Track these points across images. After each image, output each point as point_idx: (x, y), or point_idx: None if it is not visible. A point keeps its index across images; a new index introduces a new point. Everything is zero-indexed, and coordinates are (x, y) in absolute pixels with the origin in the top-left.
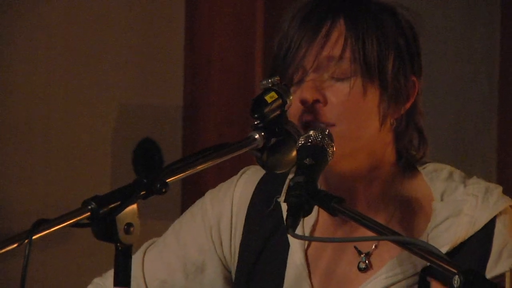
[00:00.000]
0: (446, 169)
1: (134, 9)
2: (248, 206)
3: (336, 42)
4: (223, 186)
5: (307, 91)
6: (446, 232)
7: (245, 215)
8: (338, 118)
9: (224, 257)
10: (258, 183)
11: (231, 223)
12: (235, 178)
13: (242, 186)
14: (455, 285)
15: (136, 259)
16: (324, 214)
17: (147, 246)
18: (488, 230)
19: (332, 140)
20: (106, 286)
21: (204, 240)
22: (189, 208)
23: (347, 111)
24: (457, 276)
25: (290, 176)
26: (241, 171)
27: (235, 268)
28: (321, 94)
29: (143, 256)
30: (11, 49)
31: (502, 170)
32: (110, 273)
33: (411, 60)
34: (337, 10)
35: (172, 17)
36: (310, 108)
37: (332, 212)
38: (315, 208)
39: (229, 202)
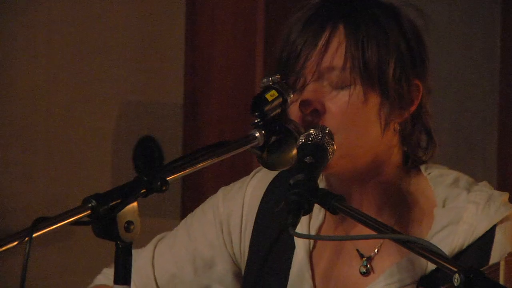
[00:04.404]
0: (452, 174)
1: (135, 7)
2: (259, 206)
3: (336, 51)
4: (235, 185)
5: (307, 101)
6: (444, 240)
7: (255, 215)
8: (337, 127)
9: (234, 254)
10: (269, 184)
11: (241, 222)
12: (247, 178)
13: (254, 187)
14: (456, 284)
15: (146, 251)
16: (330, 217)
17: (159, 239)
18: (487, 238)
19: (332, 139)
20: None
21: (214, 236)
22: (201, 204)
23: (346, 120)
24: (457, 274)
25: None
26: (254, 171)
27: (245, 266)
28: (320, 103)
29: (154, 249)
30: (12, 46)
31: (503, 168)
32: None
33: (413, 64)
34: (337, 15)
35: (173, 15)
36: (310, 116)
37: (332, 210)
38: (322, 210)
39: (240, 201)
